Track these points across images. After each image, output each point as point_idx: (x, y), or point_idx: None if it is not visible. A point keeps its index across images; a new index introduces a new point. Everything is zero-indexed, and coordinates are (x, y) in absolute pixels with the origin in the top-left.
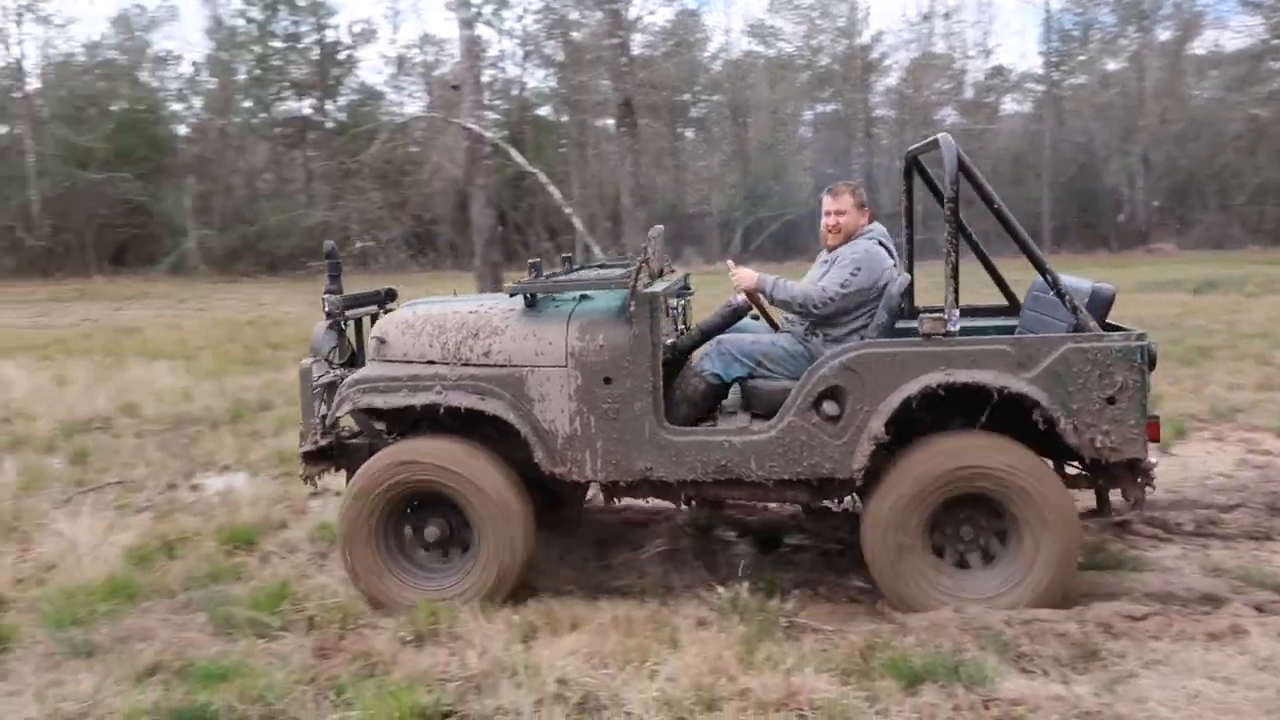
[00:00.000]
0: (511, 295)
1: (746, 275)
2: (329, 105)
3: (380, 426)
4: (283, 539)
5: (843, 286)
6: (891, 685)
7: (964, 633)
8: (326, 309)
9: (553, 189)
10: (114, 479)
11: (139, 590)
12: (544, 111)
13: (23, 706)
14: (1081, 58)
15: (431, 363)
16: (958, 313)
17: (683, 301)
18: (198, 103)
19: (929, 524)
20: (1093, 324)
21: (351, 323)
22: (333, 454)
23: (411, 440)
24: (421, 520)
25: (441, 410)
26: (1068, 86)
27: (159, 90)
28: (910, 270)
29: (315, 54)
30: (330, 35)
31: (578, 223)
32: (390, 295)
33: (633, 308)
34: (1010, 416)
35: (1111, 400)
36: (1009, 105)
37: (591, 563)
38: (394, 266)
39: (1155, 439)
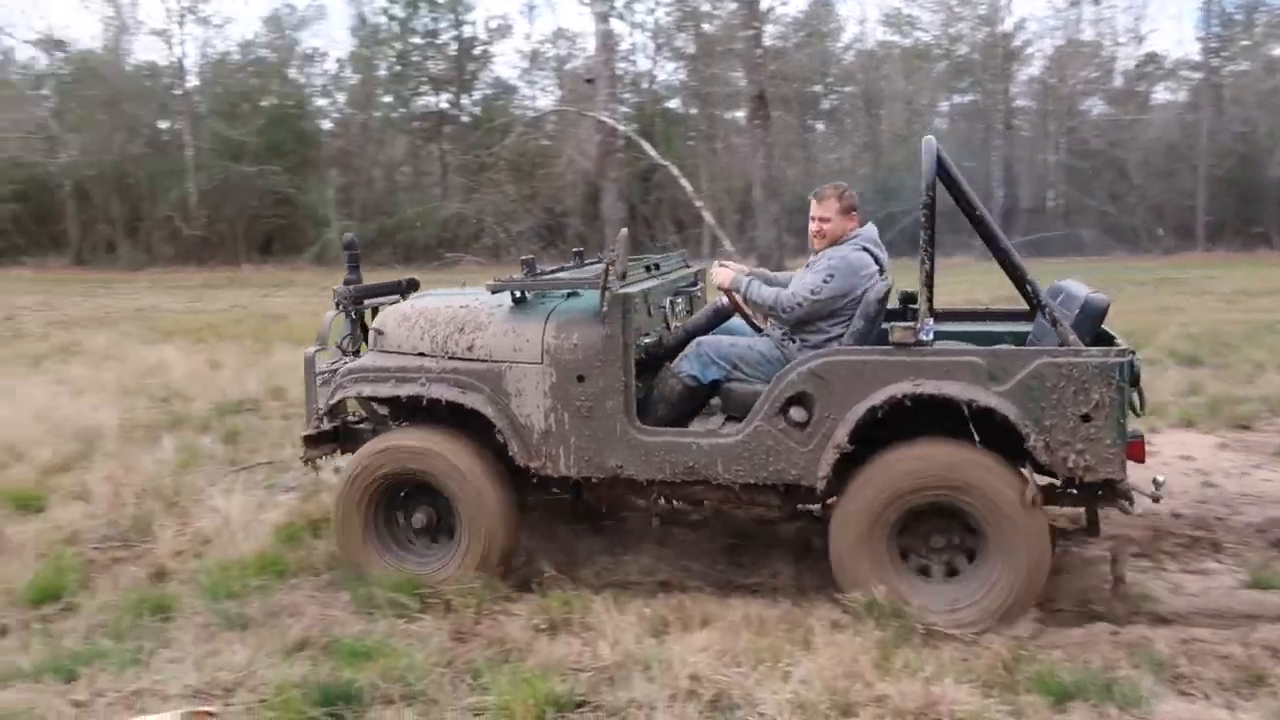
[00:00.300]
0: (493, 293)
1: (724, 273)
2: (464, 100)
3: (384, 413)
4: None
5: (813, 293)
6: (1038, 701)
7: (1117, 649)
8: (335, 299)
9: (684, 182)
10: (264, 459)
11: (287, 567)
12: (673, 104)
13: (184, 674)
14: (1245, 43)
15: (422, 355)
16: (931, 321)
17: (684, 298)
18: (341, 98)
19: (895, 532)
20: (1072, 337)
21: (369, 311)
22: (335, 438)
23: (398, 429)
24: (411, 507)
25: (424, 402)
26: (1228, 74)
27: (306, 86)
28: (931, 270)
29: (452, 50)
30: (467, 31)
31: (709, 216)
32: (412, 285)
33: (604, 308)
34: (996, 430)
35: (1086, 418)
36: (1161, 94)
37: (722, 560)
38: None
39: (1138, 459)
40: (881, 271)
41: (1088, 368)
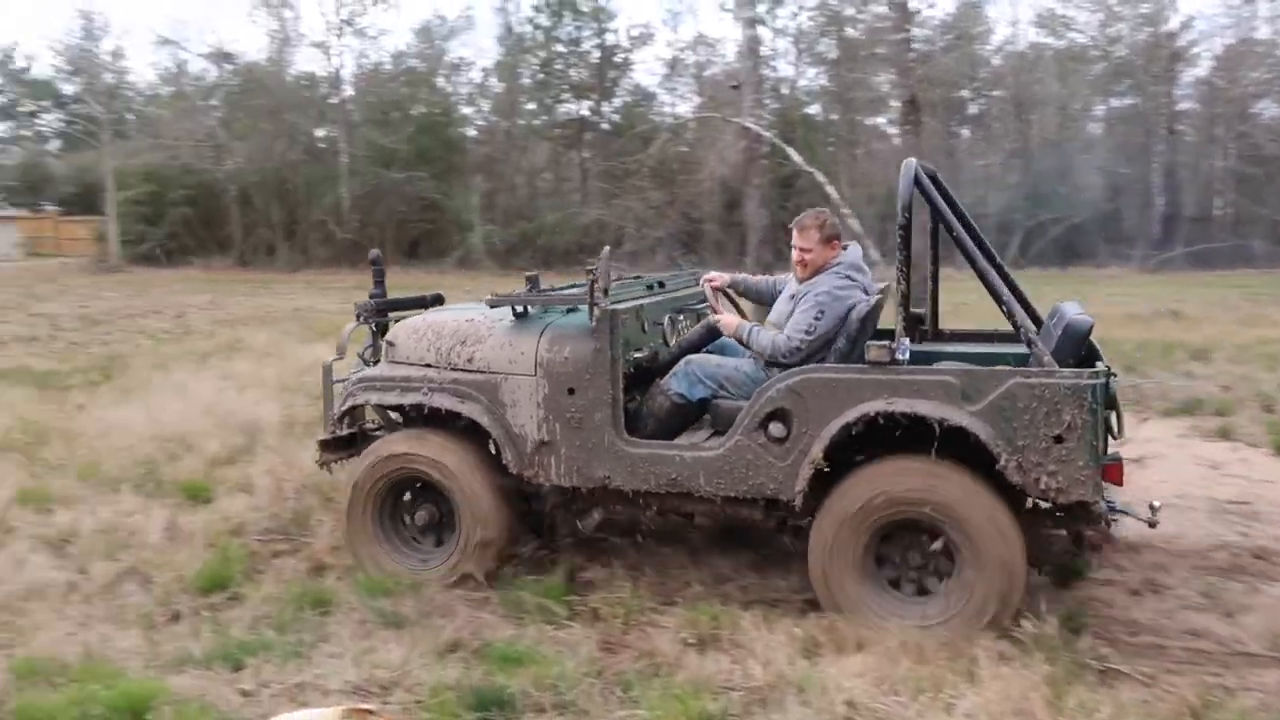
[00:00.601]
0: (492, 307)
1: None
2: (604, 107)
3: (399, 419)
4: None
5: (808, 333)
6: None
7: None
8: (356, 311)
9: (830, 189)
10: None
11: None
12: (813, 110)
13: (343, 669)
14: None
15: (428, 366)
16: (907, 341)
17: (690, 315)
18: (485, 106)
19: (871, 547)
20: (1047, 358)
21: (393, 323)
22: (350, 443)
23: (398, 434)
24: (414, 506)
25: (425, 410)
26: None
27: (452, 95)
28: (934, 286)
29: (594, 57)
30: (609, 39)
31: (855, 224)
32: (437, 300)
33: (594, 323)
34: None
35: (1059, 439)
36: None
37: None
38: (661, 265)
39: (1116, 482)
40: (865, 292)
41: (1060, 389)
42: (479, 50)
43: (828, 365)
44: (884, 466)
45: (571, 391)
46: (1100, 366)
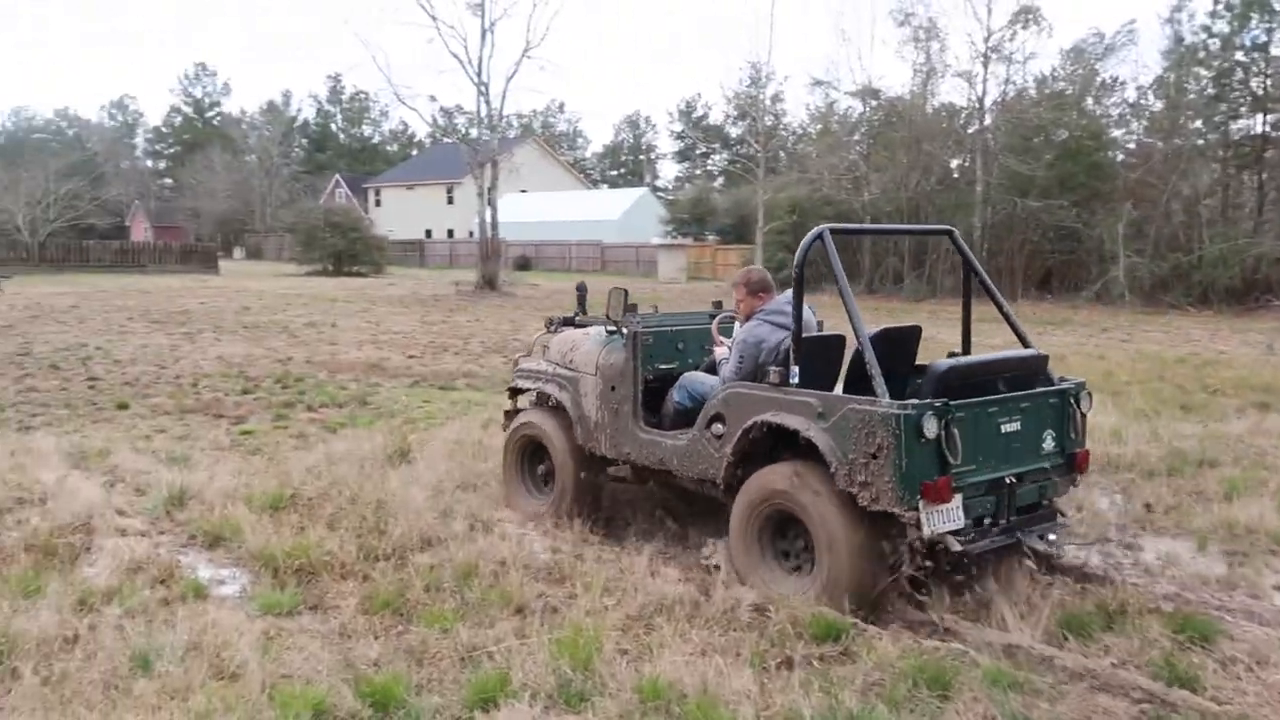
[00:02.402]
0: (549, 329)
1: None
2: None
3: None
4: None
5: (735, 373)
6: None
7: None
8: (546, 323)
9: None
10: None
11: None
12: None
13: None
14: None
15: (556, 365)
16: (798, 368)
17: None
18: (1138, 127)
19: (764, 530)
20: (882, 389)
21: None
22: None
23: (531, 409)
24: (538, 462)
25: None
26: None
27: (1102, 117)
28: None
29: None
30: None
31: None
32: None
33: (624, 342)
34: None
35: (874, 456)
36: None
37: None
38: None
39: (940, 500)
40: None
41: (875, 415)
42: (1137, 67)
43: (744, 383)
44: (774, 467)
45: (614, 389)
46: (914, 402)
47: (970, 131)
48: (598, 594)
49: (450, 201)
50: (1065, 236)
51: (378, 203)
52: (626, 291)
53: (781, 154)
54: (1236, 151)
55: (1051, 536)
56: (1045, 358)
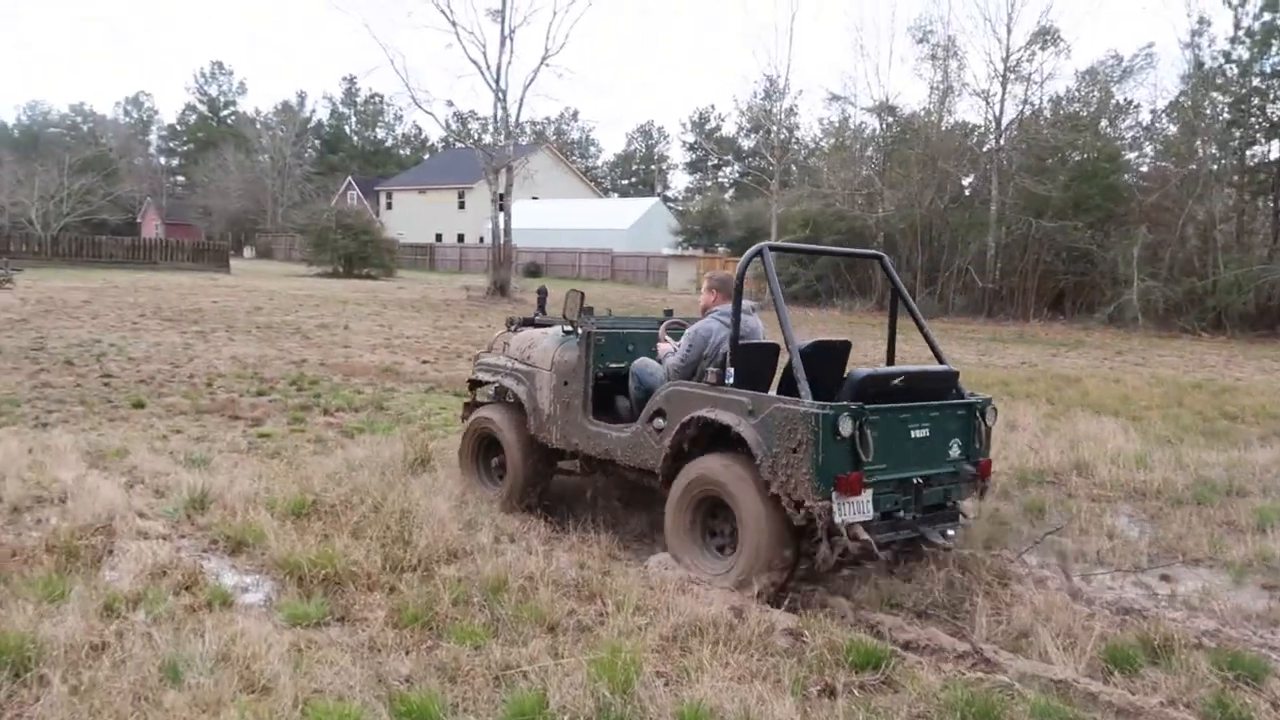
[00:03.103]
0: (510, 329)
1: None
2: None
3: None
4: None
5: (681, 361)
6: None
7: None
8: (506, 322)
9: None
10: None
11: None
12: None
13: None
14: None
15: (514, 360)
16: (733, 370)
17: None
18: (1151, 150)
19: (695, 514)
20: (806, 391)
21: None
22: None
23: (488, 405)
24: (492, 454)
25: (494, 388)
26: None
27: (1116, 139)
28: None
29: None
30: None
31: None
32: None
33: (577, 341)
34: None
35: (795, 450)
36: None
37: None
38: None
39: (851, 493)
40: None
41: (797, 414)
42: (1155, 91)
43: (683, 382)
44: (707, 457)
45: (567, 384)
46: (832, 404)
47: (985, 150)
48: (630, 613)
49: (461, 207)
50: (1079, 258)
51: (389, 206)
52: (583, 294)
53: (793, 168)
54: (1252, 178)
55: (950, 533)
56: (956, 374)
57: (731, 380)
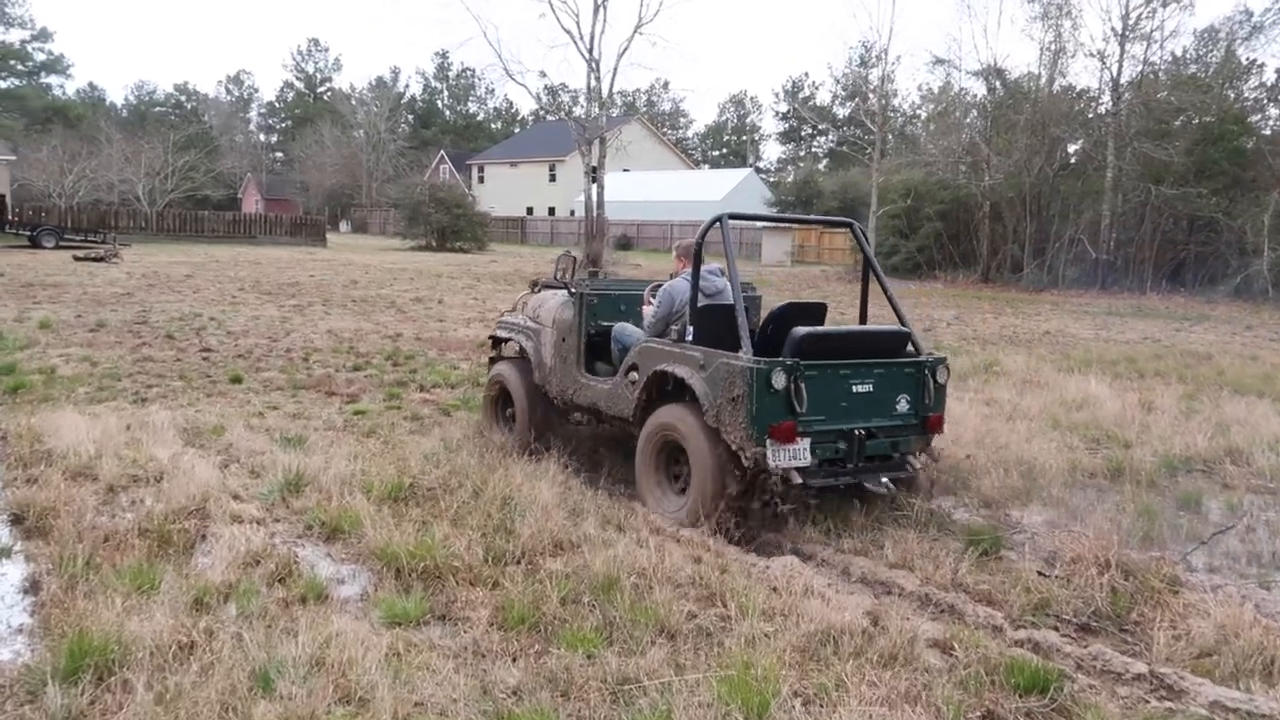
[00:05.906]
0: (534, 290)
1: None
2: None
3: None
4: None
5: (653, 318)
6: None
7: None
8: (529, 284)
9: None
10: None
11: None
12: None
13: None
14: None
15: (527, 319)
16: (692, 328)
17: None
18: (1275, 112)
19: (658, 457)
20: (747, 347)
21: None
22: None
23: (501, 363)
24: (508, 403)
25: (506, 342)
26: None
27: (1237, 101)
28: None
29: None
30: None
31: None
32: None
33: (571, 300)
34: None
35: (734, 401)
36: None
37: None
38: None
39: (785, 440)
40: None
41: (736, 368)
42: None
43: (653, 339)
44: (668, 406)
45: (564, 340)
46: (767, 359)
47: (1099, 114)
48: (755, 618)
49: (553, 180)
50: (1202, 226)
51: (481, 179)
52: (576, 258)
53: (890, 137)
54: None
55: (884, 479)
56: (907, 334)
57: (690, 337)
